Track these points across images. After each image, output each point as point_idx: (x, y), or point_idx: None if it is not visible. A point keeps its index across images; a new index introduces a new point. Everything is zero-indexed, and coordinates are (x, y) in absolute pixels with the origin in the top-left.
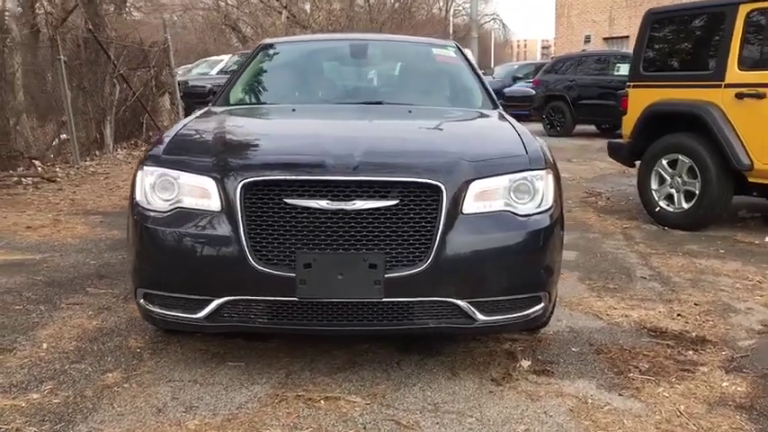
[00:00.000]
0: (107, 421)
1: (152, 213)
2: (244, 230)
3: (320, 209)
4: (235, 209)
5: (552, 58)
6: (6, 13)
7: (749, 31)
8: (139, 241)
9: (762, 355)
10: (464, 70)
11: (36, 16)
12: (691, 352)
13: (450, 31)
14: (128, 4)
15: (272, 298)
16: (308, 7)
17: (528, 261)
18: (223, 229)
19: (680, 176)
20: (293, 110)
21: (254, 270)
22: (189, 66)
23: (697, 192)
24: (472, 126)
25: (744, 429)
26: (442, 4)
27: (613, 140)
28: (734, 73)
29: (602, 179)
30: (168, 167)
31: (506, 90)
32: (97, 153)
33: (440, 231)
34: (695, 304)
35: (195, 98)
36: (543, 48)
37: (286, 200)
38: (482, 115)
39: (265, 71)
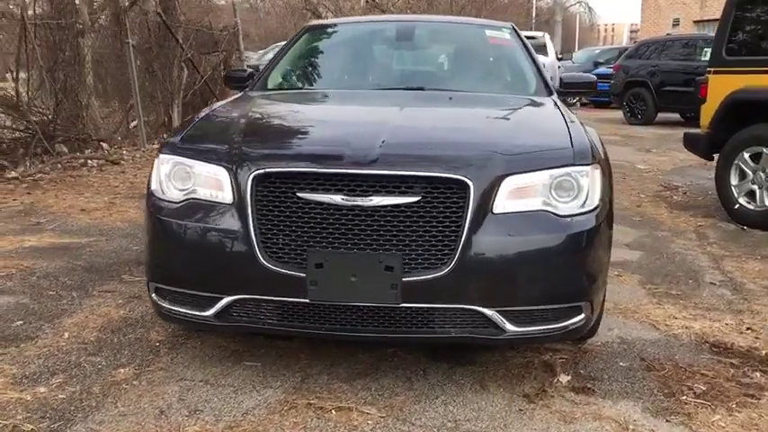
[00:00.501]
0: (106, 422)
1: (165, 204)
2: (254, 225)
3: (334, 204)
4: (245, 202)
5: (635, 42)
6: None
7: None
8: (151, 233)
9: None
10: (518, 54)
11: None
12: (758, 374)
13: (533, 15)
14: None
15: (282, 298)
16: None
17: (568, 267)
18: (232, 223)
19: (763, 171)
20: (325, 96)
21: (264, 268)
22: (264, 50)
23: None
24: (516, 115)
25: None
26: None
27: (690, 131)
28: None
29: (681, 171)
30: (184, 156)
31: (563, 75)
32: (164, 136)
33: (465, 232)
34: None
35: (234, 83)
36: (632, 32)
37: (299, 194)
38: (532, 103)
39: (305, 55)
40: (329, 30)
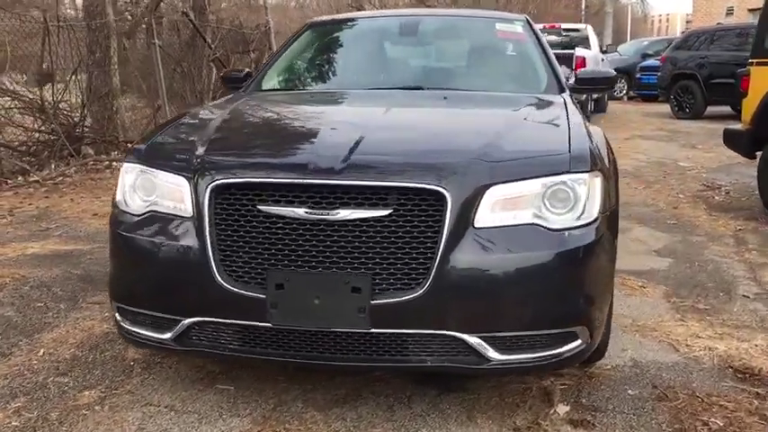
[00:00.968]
0: None
1: (126, 217)
2: (211, 241)
3: (297, 218)
4: (203, 215)
5: (683, 32)
6: None
7: None
8: (111, 247)
9: None
10: (530, 48)
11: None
12: None
13: (583, 7)
14: None
15: (243, 322)
16: None
17: (560, 287)
18: (190, 238)
19: None
20: (313, 97)
21: (222, 289)
22: None
23: None
24: (514, 116)
25: None
26: None
27: (730, 127)
28: None
29: (727, 169)
30: (148, 164)
31: (579, 71)
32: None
33: (441, 249)
34: None
35: (231, 84)
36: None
37: (259, 207)
38: (537, 101)
39: (303, 54)
40: (332, 26)
